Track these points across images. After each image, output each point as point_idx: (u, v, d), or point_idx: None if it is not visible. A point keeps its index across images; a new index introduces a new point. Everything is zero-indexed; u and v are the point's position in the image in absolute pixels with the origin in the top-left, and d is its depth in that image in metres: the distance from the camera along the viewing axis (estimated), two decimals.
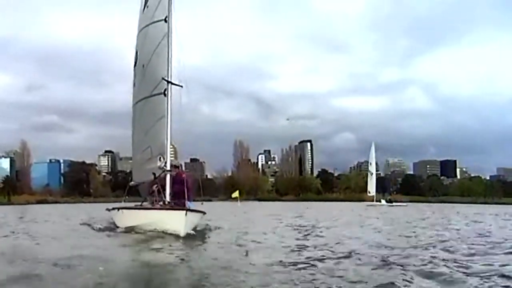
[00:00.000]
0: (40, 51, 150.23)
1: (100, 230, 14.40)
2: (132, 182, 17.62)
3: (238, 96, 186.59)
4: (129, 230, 13.19)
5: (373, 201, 63.19)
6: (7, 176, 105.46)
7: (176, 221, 12.65)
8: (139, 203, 15.74)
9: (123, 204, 16.05)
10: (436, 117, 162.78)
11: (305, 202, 73.15)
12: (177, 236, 12.04)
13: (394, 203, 59.99)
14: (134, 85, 17.54)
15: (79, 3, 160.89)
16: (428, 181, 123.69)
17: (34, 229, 15.62)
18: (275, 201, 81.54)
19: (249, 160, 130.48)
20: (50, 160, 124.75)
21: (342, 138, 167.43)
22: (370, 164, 70.52)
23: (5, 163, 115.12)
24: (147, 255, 9.03)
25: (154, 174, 15.27)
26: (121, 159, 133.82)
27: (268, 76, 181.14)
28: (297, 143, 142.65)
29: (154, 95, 16.03)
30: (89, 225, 16.34)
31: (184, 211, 12.92)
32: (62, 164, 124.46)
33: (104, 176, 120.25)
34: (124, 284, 6.16)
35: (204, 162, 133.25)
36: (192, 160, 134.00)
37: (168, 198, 14.66)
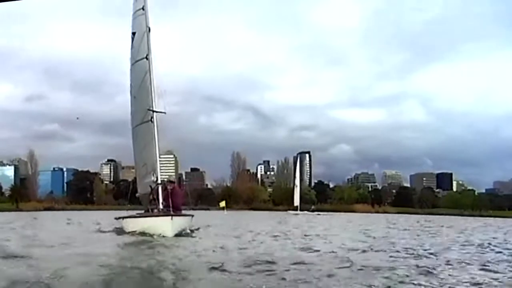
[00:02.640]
0: (43, 62, 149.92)
1: (115, 233, 18.86)
2: (137, 194, 22.28)
3: (238, 107, 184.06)
4: (133, 233, 17.36)
5: (296, 210, 72.75)
6: (14, 184, 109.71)
7: (165, 225, 16.75)
8: (141, 211, 20.52)
9: (127, 213, 20.64)
10: (433, 129, 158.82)
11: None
12: (165, 237, 16.14)
13: (316, 212, 68.81)
14: (131, 112, 22.38)
15: (81, 14, 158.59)
16: (420, 194, 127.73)
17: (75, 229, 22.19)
18: (268, 210, 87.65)
19: (248, 170, 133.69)
20: (54, 169, 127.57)
21: (340, 150, 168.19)
22: (295, 177, 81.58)
23: (9, 171, 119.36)
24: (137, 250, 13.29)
25: (150, 186, 19.83)
26: (123, 168, 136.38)
27: (267, 87, 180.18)
28: (296, 154, 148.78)
29: (144, 122, 20.76)
30: (103, 231, 20.54)
31: (170, 217, 17.10)
32: (65, 173, 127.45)
33: (107, 184, 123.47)
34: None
35: (204, 171, 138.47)
36: (192, 169, 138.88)
37: (161, 207, 18.94)
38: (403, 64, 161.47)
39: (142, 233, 16.95)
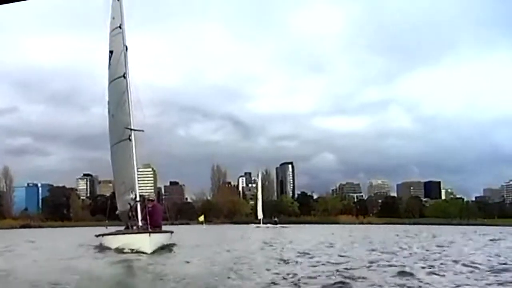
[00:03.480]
0: (15, 74, 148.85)
1: (95, 250, 19.53)
2: (117, 211, 22.90)
3: (217, 117, 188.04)
4: (114, 250, 18.15)
5: (259, 223, 74.58)
6: None
7: (143, 242, 17.52)
8: (121, 228, 21.32)
9: (107, 229, 21.43)
10: (419, 136, 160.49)
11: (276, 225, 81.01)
12: (144, 253, 16.89)
13: (279, 225, 71.85)
14: (109, 129, 23.08)
15: (54, 26, 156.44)
16: (406, 203, 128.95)
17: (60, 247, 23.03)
18: (249, 223, 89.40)
19: (229, 183, 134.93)
20: (28, 184, 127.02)
21: (323, 159, 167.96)
22: (257, 190, 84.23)
23: None
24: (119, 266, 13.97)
25: (129, 204, 20.63)
26: (100, 182, 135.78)
27: (247, 96, 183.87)
28: (278, 165, 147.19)
29: (122, 140, 21.46)
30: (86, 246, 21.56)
31: (148, 234, 17.94)
32: (40, 188, 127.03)
33: (83, 200, 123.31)
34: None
35: (183, 185, 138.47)
36: (172, 183, 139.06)
37: (140, 223, 19.71)
38: (388, 69, 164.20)
39: (122, 250, 17.79)
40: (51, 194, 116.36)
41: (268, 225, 71.31)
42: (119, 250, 17.83)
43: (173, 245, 20.48)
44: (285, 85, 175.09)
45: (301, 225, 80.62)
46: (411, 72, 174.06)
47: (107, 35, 22.84)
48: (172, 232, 21.01)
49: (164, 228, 21.56)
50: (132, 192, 20.82)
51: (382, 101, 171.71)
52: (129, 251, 17.44)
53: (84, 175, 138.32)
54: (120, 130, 21.70)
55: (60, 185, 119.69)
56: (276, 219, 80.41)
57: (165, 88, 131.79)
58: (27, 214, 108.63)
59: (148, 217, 19.38)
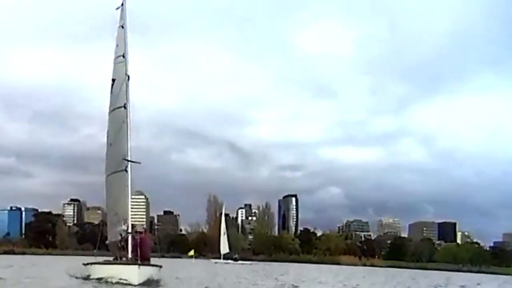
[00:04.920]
0: None
1: (82, 279, 21.48)
2: (107, 241, 24.00)
3: (216, 143, 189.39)
4: (100, 280, 20.08)
5: (220, 259, 77.67)
6: None
7: (131, 273, 19.30)
8: (109, 258, 22.83)
9: (95, 259, 23.06)
10: (435, 172, 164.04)
11: (271, 263, 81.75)
12: (132, 285, 18.68)
13: (239, 262, 74.21)
14: (106, 158, 24.28)
15: (44, 40, 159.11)
16: (413, 245, 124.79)
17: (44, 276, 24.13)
18: (245, 260, 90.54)
19: (227, 215, 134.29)
20: (11, 208, 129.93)
21: (329, 193, 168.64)
22: (220, 222, 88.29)
23: None
24: None
25: (121, 235, 22.08)
26: (88, 209, 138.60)
27: (248, 121, 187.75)
28: (281, 197, 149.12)
29: (119, 171, 22.68)
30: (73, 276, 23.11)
31: (137, 266, 19.56)
32: (24, 212, 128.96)
33: (70, 227, 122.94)
34: None
35: (178, 214, 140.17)
36: (165, 212, 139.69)
37: (129, 255, 21.16)
38: (402, 96, 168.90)
39: (108, 280, 19.61)
40: (36, 220, 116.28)
41: (229, 261, 74.53)
42: (107, 280, 19.62)
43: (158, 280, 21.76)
44: (290, 110, 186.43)
45: (297, 264, 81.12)
46: (427, 100, 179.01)
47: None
48: (161, 266, 22.06)
49: (153, 261, 22.65)
50: (124, 223, 22.17)
51: (395, 131, 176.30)
52: (117, 281, 19.20)
53: (71, 200, 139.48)
54: (117, 161, 22.98)
55: (46, 210, 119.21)
56: (236, 255, 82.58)
57: (160, 109, 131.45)
58: (9, 240, 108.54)
59: (139, 249, 20.88)
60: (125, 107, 22.93)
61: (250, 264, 71.08)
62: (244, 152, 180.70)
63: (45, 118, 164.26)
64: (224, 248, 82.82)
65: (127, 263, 20.77)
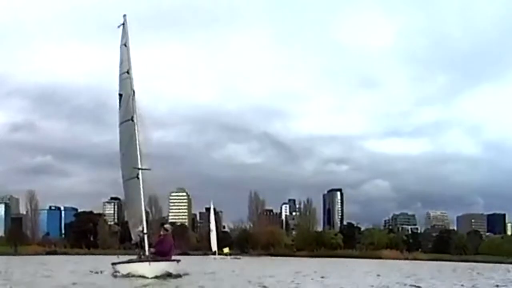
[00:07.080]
0: (34, 88, 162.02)
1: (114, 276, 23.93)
2: (132, 241, 26.60)
3: (257, 137, 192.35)
4: (125, 276, 22.80)
5: (215, 254, 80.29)
6: (5, 223, 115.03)
7: (144, 270, 22.19)
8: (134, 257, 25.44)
9: (119, 258, 26.02)
10: (484, 163, 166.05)
11: (312, 259, 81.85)
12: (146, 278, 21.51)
13: (229, 256, 77.99)
14: (120, 167, 26.70)
15: (78, 36, 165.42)
16: (461, 238, 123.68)
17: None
18: (287, 256, 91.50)
19: (271, 211, 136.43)
20: (50, 207, 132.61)
21: (376, 186, 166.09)
22: (210, 222, 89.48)
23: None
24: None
25: (139, 235, 24.85)
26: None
27: (291, 116, 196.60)
28: (325, 192, 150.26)
29: (131, 178, 25.11)
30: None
31: (148, 262, 22.56)
32: (63, 212, 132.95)
33: (110, 226, 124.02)
34: None
35: (221, 211, 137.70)
36: (207, 209, 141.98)
37: (147, 253, 23.95)
38: (447, 86, 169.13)
39: (130, 276, 22.46)
40: (77, 220, 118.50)
41: (223, 256, 77.73)
42: (128, 276, 22.64)
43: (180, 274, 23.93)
44: (333, 103, 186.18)
45: (338, 259, 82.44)
46: (474, 90, 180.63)
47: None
48: (179, 260, 24.22)
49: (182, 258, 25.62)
50: (140, 225, 24.98)
51: (441, 122, 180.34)
52: (136, 276, 22.10)
53: (111, 198, 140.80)
54: (129, 168, 25.43)
55: (85, 209, 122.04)
56: (228, 251, 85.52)
57: (199, 104, 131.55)
58: (49, 240, 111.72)
59: (157, 246, 24.02)
60: (132, 120, 25.20)
61: (239, 258, 73.38)
62: (288, 147, 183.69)
63: (83, 116, 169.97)
64: (213, 245, 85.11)
65: (140, 260, 23.78)
